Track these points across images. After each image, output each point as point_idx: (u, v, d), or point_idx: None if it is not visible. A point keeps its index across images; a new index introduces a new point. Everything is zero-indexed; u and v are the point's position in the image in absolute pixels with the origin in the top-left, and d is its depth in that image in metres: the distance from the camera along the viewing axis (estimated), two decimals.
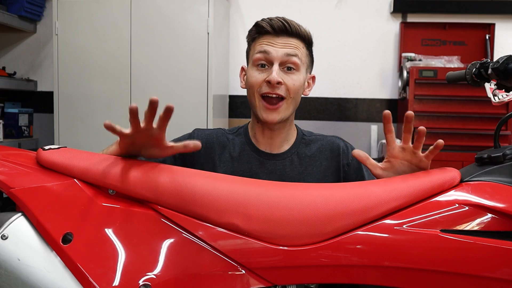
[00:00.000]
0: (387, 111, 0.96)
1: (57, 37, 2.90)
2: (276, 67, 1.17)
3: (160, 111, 0.84)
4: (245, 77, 1.27)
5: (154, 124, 0.86)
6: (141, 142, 0.90)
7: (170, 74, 2.82)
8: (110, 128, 0.83)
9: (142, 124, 0.85)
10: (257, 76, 1.19)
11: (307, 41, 1.24)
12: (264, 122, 1.21)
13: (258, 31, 1.22)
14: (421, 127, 0.92)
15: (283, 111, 1.19)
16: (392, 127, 0.97)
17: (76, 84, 2.90)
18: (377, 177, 1.01)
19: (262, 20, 1.22)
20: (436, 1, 3.19)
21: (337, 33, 3.27)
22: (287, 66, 1.19)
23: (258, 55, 1.19)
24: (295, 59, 1.18)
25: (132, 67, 2.84)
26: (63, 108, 2.93)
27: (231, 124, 3.29)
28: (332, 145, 1.27)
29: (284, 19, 1.20)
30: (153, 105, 0.82)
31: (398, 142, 0.98)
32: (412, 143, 0.95)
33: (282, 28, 1.19)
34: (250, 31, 1.26)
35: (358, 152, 1.00)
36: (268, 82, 1.16)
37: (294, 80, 1.19)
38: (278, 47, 1.18)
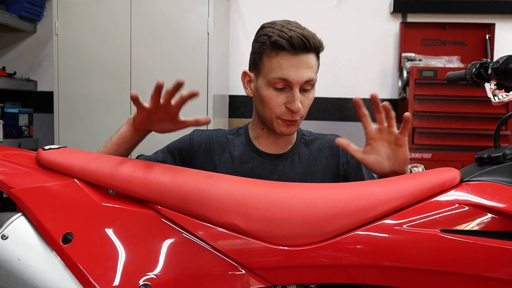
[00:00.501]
0: (356, 98, 1.03)
1: (57, 37, 2.90)
2: (297, 94, 1.13)
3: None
4: (251, 84, 1.22)
5: (172, 101, 0.92)
6: (156, 117, 0.96)
7: (170, 74, 2.81)
8: (135, 99, 0.91)
9: (161, 100, 0.91)
10: (275, 98, 1.15)
11: (320, 51, 1.21)
12: (280, 135, 1.21)
13: (275, 47, 1.13)
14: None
15: (298, 125, 1.21)
16: (365, 111, 1.04)
17: (76, 84, 2.90)
18: (360, 161, 1.05)
19: (279, 36, 1.12)
20: (436, 1, 3.19)
21: (337, 33, 3.27)
22: (305, 88, 1.16)
23: (277, 80, 1.13)
24: (313, 81, 1.17)
25: (132, 67, 2.84)
26: (63, 108, 2.93)
27: (231, 124, 3.29)
28: (332, 144, 1.27)
29: (303, 35, 1.12)
30: (178, 86, 0.89)
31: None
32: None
33: (302, 46, 1.12)
34: (262, 42, 1.16)
35: (340, 140, 1.05)
36: (289, 109, 1.14)
37: (309, 99, 1.19)
38: (299, 71, 1.13)
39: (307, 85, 1.16)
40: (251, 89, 1.23)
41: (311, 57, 1.16)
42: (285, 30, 1.13)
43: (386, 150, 1.03)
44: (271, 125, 1.20)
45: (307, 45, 1.13)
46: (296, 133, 1.29)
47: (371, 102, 1.01)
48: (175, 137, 1.28)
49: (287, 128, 1.19)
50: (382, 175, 1.05)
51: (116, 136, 1.07)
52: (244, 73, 1.25)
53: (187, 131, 1.31)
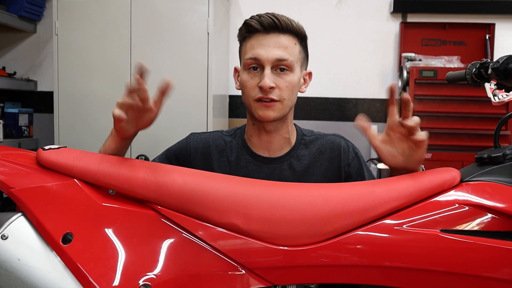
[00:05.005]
0: (393, 83, 0.94)
1: (57, 37, 2.90)
2: (267, 71, 1.13)
3: None
4: (239, 78, 1.22)
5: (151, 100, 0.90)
6: (132, 115, 0.93)
7: (170, 74, 2.81)
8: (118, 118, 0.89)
9: (129, 100, 0.89)
10: (250, 81, 1.16)
11: (300, 36, 1.19)
12: (260, 121, 1.17)
13: (248, 30, 1.17)
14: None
15: (278, 110, 1.16)
16: (395, 100, 0.95)
17: (76, 84, 2.90)
18: (375, 148, 0.97)
19: (251, 18, 1.17)
20: (436, 1, 3.19)
21: (337, 33, 3.27)
22: (280, 67, 1.14)
23: (249, 61, 1.15)
24: (287, 61, 1.14)
25: (132, 67, 2.84)
26: (63, 108, 2.93)
27: (231, 124, 3.29)
28: (333, 145, 1.24)
29: (274, 15, 1.15)
30: (139, 82, 0.86)
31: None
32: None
33: (272, 25, 1.14)
34: (240, 30, 1.21)
35: (360, 122, 0.96)
36: (261, 88, 1.13)
37: (287, 81, 1.15)
38: (269, 49, 1.13)
39: (281, 65, 1.14)
40: (238, 81, 1.24)
41: (284, 38, 1.15)
42: (259, 14, 1.16)
43: (402, 146, 0.95)
44: (251, 111, 1.18)
45: (277, 24, 1.14)
46: (296, 134, 1.26)
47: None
48: (175, 134, 1.28)
49: (263, 111, 1.14)
50: (393, 168, 0.98)
51: (104, 149, 1.04)
52: (235, 69, 1.27)
53: (187, 129, 1.32)
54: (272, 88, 1.13)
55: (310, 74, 1.27)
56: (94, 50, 2.87)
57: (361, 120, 0.96)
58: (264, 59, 1.13)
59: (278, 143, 1.23)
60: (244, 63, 1.18)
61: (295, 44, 1.18)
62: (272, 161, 1.22)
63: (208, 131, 1.32)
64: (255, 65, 1.15)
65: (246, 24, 1.18)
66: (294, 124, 1.28)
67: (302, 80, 1.23)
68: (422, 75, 2.80)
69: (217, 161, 1.23)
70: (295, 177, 1.21)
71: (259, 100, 1.15)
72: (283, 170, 1.21)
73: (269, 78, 1.12)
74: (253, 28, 1.16)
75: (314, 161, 1.23)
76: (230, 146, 1.25)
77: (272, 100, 1.14)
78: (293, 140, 1.25)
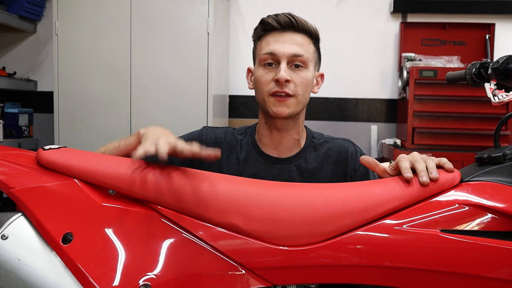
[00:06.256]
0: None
1: (57, 37, 2.90)
2: (283, 65, 1.15)
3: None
4: (252, 78, 1.24)
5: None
6: None
7: (170, 74, 2.82)
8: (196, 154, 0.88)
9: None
10: (265, 75, 1.17)
11: (314, 37, 1.22)
12: (274, 117, 1.18)
13: (264, 28, 1.20)
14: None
15: (292, 105, 1.17)
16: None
17: (76, 84, 2.90)
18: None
19: (268, 16, 1.20)
20: (436, 1, 3.19)
21: (337, 33, 3.27)
22: (295, 64, 1.17)
23: (265, 56, 1.17)
24: (302, 57, 1.17)
25: (132, 67, 2.84)
26: (63, 108, 2.93)
27: (231, 124, 3.29)
28: (340, 149, 1.24)
29: (290, 14, 1.18)
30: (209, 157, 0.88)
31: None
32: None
33: (289, 24, 1.17)
34: (256, 29, 1.23)
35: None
36: (277, 81, 1.15)
37: (302, 77, 1.17)
38: (286, 45, 1.16)
39: (297, 61, 1.17)
40: (251, 81, 1.26)
41: (299, 36, 1.19)
42: (276, 14, 1.20)
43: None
44: (265, 107, 1.19)
45: (293, 23, 1.18)
46: (306, 136, 1.26)
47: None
48: (183, 130, 1.28)
49: (277, 108, 1.16)
50: None
51: (125, 147, 1.03)
52: (248, 70, 1.29)
53: (187, 130, 1.32)
54: (287, 81, 1.15)
55: (322, 76, 1.30)
56: (94, 50, 2.87)
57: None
58: (280, 53, 1.16)
59: (288, 144, 1.23)
60: (259, 58, 1.19)
61: (310, 43, 1.21)
62: (280, 161, 1.23)
63: (221, 127, 1.33)
64: (270, 61, 1.17)
65: (262, 22, 1.20)
66: (305, 126, 1.29)
67: (315, 81, 1.25)
68: (422, 75, 2.80)
69: (227, 157, 1.24)
70: (302, 178, 1.21)
71: (274, 94, 1.16)
72: (290, 171, 1.22)
73: (285, 72, 1.14)
74: (269, 26, 1.19)
75: (322, 164, 1.23)
76: (240, 144, 1.26)
77: (287, 95, 1.16)
78: (303, 142, 1.26)
